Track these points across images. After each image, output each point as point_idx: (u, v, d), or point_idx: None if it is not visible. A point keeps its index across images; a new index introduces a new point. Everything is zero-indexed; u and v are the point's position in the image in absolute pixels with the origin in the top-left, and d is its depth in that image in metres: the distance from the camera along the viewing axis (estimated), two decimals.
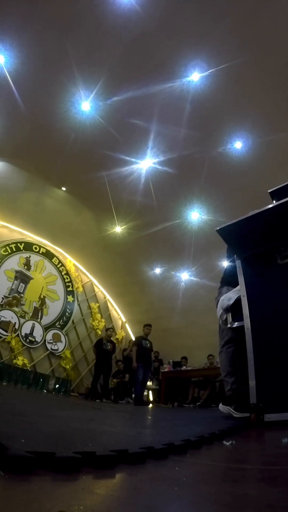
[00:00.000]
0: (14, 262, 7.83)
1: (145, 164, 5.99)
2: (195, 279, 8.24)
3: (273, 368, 1.70)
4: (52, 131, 5.52)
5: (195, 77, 4.58)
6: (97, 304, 9.36)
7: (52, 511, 0.39)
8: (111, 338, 7.17)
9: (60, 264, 8.78)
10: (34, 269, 8.19)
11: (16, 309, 7.46)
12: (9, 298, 7.43)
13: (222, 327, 2.39)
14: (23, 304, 7.69)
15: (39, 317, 7.91)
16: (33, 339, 7.52)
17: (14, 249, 7.92)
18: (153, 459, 0.72)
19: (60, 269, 8.74)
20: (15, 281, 7.70)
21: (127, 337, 9.77)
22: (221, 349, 2.36)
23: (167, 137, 5.47)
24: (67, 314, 8.50)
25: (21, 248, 8.07)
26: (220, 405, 2.21)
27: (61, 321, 8.32)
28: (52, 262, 8.63)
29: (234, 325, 2.10)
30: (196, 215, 6.84)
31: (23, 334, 7.35)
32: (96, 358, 6.81)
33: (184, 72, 4.56)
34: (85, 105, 5.10)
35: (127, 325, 10.10)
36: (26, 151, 6.14)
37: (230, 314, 2.16)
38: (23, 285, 7.84)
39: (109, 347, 6.88)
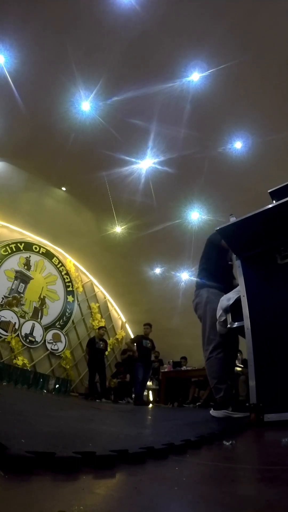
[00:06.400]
0: (14, 262, 7.82)
1: (145, 164, 5.98)
2: (195, 279, 8.23)
3: (273, 368, 1.70)
4: (52, 131, 5.51)
5: (195, 77, 4.58)
6: (97, 304, 9.36)
7: (52, 511, 0.39)
8: (103, 337, 7.21)
9: (60, 264, 8.77)
10: (34, 269, 8.19)
11: (16, 309, 7.46)
12: (9, 298, 7.43)
13: (209, 331, 2.37)
14: (23, 304, 7.68)
15: (39, 317, 7.91)
16: (33, 339, 7.52)
17: (14, 249, 7.91)
18: (153, 459, 0.72)
19: (60, 269, 8.74)
20: (15, 281, 7.70)
21: (127, 337, 9.76)
22: (209, 355, 2.27)
23: (167, 137, 5.46)
24: (67, 314, 8.49)
25: (21, 248, 8.06)
26: (212, 410, 2.16)
27: (61, 321, 8.31)
28: (52, 262, 8.63)
29: (234, 325, 2.10)
30: (196, 215, 6.84)
31: (23, 334, 7.35)
32: (88, 357, 6.84)
33: (184, 72, 4.55)
34: (85, 105, 5.10)
35: (127, 325, 10.10)
36: (26, 151, 6.13)
37: (229, 314, 2.16)
38: (23, 285, 7.84)
39: (101, 345, 6.93)
